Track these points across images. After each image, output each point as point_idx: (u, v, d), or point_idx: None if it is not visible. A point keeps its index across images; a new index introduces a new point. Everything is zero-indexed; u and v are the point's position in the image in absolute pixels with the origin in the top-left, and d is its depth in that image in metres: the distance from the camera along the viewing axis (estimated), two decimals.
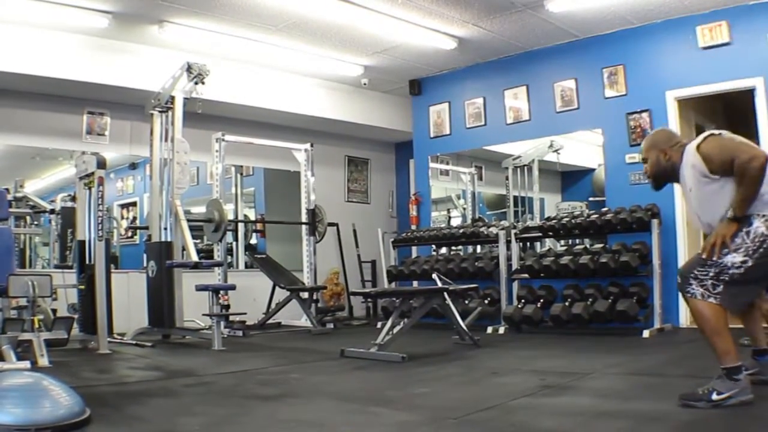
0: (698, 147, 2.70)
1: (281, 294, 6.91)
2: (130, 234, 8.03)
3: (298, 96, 7.66)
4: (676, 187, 5.92)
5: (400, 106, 8.56)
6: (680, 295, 2.77)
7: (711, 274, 2.63)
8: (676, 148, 2.85)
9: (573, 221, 6.17)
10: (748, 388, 2.60)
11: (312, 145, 7.33)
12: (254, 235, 8.94)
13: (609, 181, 6.58)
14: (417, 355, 4.53)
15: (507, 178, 7.88)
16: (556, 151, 7.38)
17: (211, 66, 5.85)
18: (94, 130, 6.71)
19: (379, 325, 6.18)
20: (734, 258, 2.60)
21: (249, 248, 8.41)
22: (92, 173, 5.17)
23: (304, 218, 7.29)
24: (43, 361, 4.12)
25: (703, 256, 2.66)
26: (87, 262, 5.35)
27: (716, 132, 2.75)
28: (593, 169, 7.41)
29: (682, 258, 5.94)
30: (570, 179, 8.18)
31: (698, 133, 7.16)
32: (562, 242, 7.08)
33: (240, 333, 6.25)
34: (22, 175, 6.90)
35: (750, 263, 2.58)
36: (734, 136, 2.72)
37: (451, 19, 6.19)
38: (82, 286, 5.34)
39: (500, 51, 7.13)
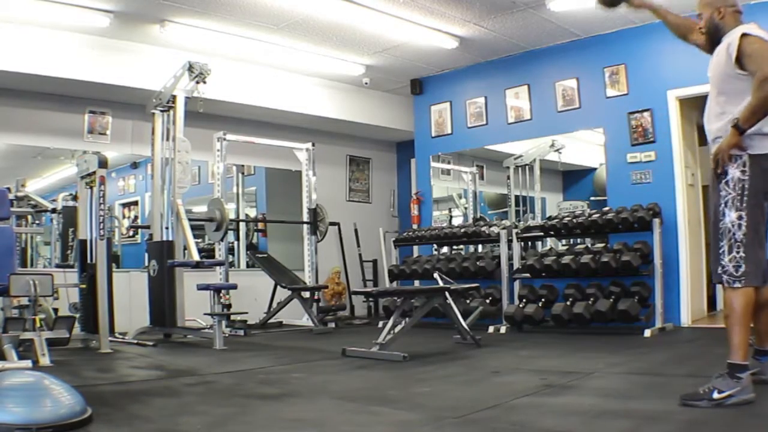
0: (743, 36, 2.64)
1: (282, 293, 6.91)
2: (131, 233, 8.03)
3: (300, 95, 7.66)
4: (677, 185, 6.02)
5: (401, 106, 8.56)
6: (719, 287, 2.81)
7: (725, 248, 2.64)
8: (731, 11, 2.80)
9: (574, 221, 6.16)
10: (750, 387, 2.60)
11: (313, 145, 7.34)
12: (255, 234, 8.94)
13: (610, 181, 6.57)
14: (418, 354, 4.53)
15: (508, 178, 7.88)
16: (557, 150, 7.38)
17: (212, 65, 5.85)
18: (95, 129, 6.72)
19: (380, 324, 6.18)
20: (731, 216, 2.62)
21: (250, 247, 8.41)
22: (93, 172, 5.17)
23: (305, 217, 7.29)
24: (45, 360, 4.12)
25: (717, 171, 2.67)
26: (88, 261, 5.36)
27: (762, 34, 2.66)
28: (595, 169, 7.41)
29: (684, 257, 5.94)
30: (571, 178, 8.18)
31: (700, 134, 7.15)
32: (564, 242, 7.08)
33: (241, 332, 6.25)
34: (23, 175, 6.90)
35: (745, 217, 2.61)
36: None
37: (452, 19, 6.18)
38: (84, 286, 5.35)
39: (502, 50, 7.12)
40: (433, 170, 8.21)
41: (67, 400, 2.50)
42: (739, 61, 2.62)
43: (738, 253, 2.63)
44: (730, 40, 2.69)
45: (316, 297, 6.96)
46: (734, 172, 2.64)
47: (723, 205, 2.66)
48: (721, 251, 2.67)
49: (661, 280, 5.64)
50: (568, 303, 5.79)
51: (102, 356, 4.76)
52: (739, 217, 2.62)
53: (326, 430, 2.57)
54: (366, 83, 7.98)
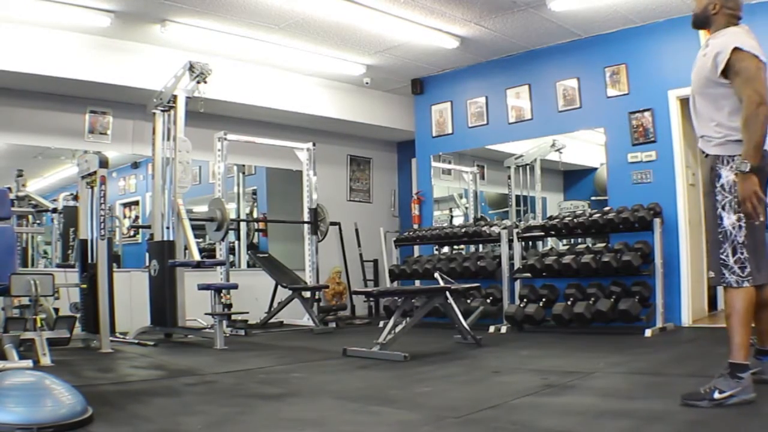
0: (735, 50, 2.60)
1: (283, 293, 6.92)
2: (132, 233, 8.04)
3: (301, 95, 7.66)
4: (678, 185, 6.01)
5: (402, 105, 8.56)
6: (719, 289, 2.80)
7: (729, 251, 2.65)
8: (727, 13, 2.76)
9: (575, 220, 6.16)
10: (751, 387, 2.59)
11: (314, 144, 7.34)
12: (256, 234, 8.94)
13: (611, 181, 6.57)
14: (419, 354, 4.53)
15: (509, 177, 7.88)
16: (558, 150, 7.37)
17: (213, 65, 5.85)
18: (96, 129, 6.72)
19: (381, 324, 6.18)
20: (730, 219, 2.64)
21: (251, 247, 8.41)
22: (94, 172, 5.18)
23: (306, 217, 7.29)
24: (45, 360, 4.13)
25: (756, 222, 2.63)
26: (89, 261, 5.36)
27: (752, 47, 2.62)
28: (595, 169, 7.41)
29: (685, 257, 5.94)
30: (572, 178, 8.17)
31: None
32: (564, 241, 7.07)
33: (242, 332, 6.25)
34: (24, 174, 6.90)
35: (744, 219, 2.62)
36: (759, 65, 2.60)
37: (453, 18, 6.18)
38: (84, 285, 5.35)
39: (502, 50, 7.12)
40: (434, 170, 8.20)
41: (68, 400, 2.50)
42: (725, 73, 2.63)
43: (742, 254, 2.64)
44: (720, 50, 2.65)
45: (316, 297, 6.96)
46: (728, 175, 2.64)
47: (720, 209, 2.67)
48: (725, 254, 2.67)
49: (662, 280, 5.64)
50: (569, 303, 5.78)
51: (103, 356, 4.77)
52: (738, 219, 2.63)
53: (326, 430, 2.57)
54: (367, 83, 7.98)
